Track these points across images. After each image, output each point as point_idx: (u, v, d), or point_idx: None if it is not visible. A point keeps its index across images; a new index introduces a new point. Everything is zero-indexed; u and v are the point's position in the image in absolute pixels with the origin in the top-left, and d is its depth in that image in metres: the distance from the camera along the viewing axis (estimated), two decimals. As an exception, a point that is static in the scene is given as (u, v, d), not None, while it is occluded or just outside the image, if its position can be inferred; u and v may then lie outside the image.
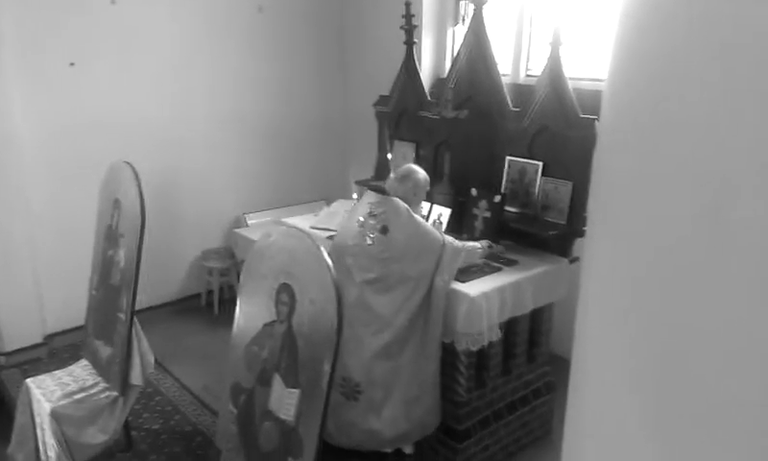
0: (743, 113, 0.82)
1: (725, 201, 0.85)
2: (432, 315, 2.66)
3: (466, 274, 2.72)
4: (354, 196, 3.52)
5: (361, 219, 2.76)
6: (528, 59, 4.06)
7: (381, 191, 2.84)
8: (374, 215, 2.72)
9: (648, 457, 1.02)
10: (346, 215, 3.00)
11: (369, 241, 2.70)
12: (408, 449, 2.90)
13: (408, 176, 2.88)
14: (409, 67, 3.69)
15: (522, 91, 3.65)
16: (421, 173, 2.92)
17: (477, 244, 2.83)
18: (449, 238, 2.75)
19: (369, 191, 2.90)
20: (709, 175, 0.87)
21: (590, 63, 3.64)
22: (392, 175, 2.95)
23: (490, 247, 2.88)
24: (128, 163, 2.80)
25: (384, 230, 2.68)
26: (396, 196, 2.78)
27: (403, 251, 2.65)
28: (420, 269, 2.65)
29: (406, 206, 2.74)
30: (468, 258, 2.74)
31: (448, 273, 2.65)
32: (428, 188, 2.98)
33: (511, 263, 2.88)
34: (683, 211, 0.92)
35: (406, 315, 2.65)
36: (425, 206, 3.15)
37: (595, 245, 1.17)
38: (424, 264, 2.66)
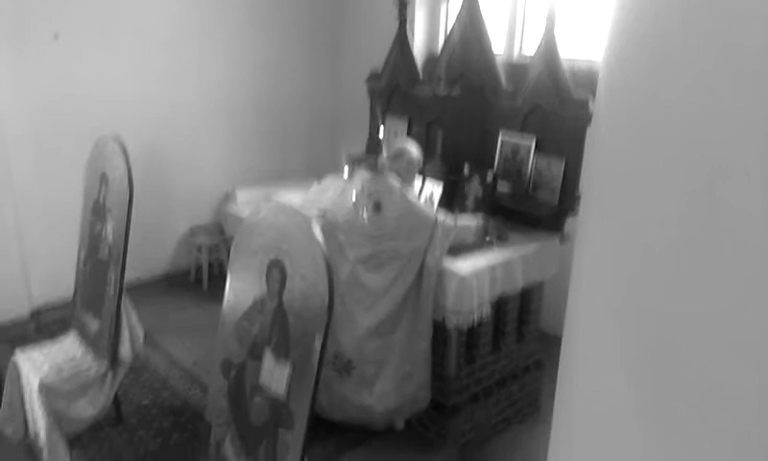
0: (738, 99, 0.82)
1: (718, 185, 0.85)
2: (423, 292, 2.67)
3: (456, 252, 2.72)
4: (345, 172, 3.48)
5: (354, 196, 2.75)
6: (522, 37, 4.02)
7: (374, 168, 2.82)
8: (367, 193, 2.71)
9: (638, 437, 1.03)
10: (337, 192, 2.98)
11: (361, 219, 2.69)
12: (399, 425, 2.93)
13: (401, 154, 2.86)
14: (401, 43, 3.64)
15: (516, 70, 3.62)
16: (415, 151, 2.90)
17: (471, 223, 2.83)
18: (442, 215, 2.74)
19: (362, 169, 2.88)
20: (703, 157, 0.87)
21: (585, 43, 3.61)
22: (384, 152, 2.92)
23: (485, 220, 2.86)
24: (115, 138, 2.75)
25: (377, 208, 2.67)
26: (390, 173, 2.76)
27: (396, 228, 2.64)
28: (413, 246, 2.65)
29: (399, 184, 2.73)
30: (459, 236, 2.74)
31: (440, 250, 2.65)
32: (421, 166, 2.96)
33: (501, 241, 2.88)
34: (677, 193, 0.92)
35: (398, 292, 2.65)
36: (417, 183, 3.14)
37: (589, 224, 1.17)
38: (417, 242, 2.65)
